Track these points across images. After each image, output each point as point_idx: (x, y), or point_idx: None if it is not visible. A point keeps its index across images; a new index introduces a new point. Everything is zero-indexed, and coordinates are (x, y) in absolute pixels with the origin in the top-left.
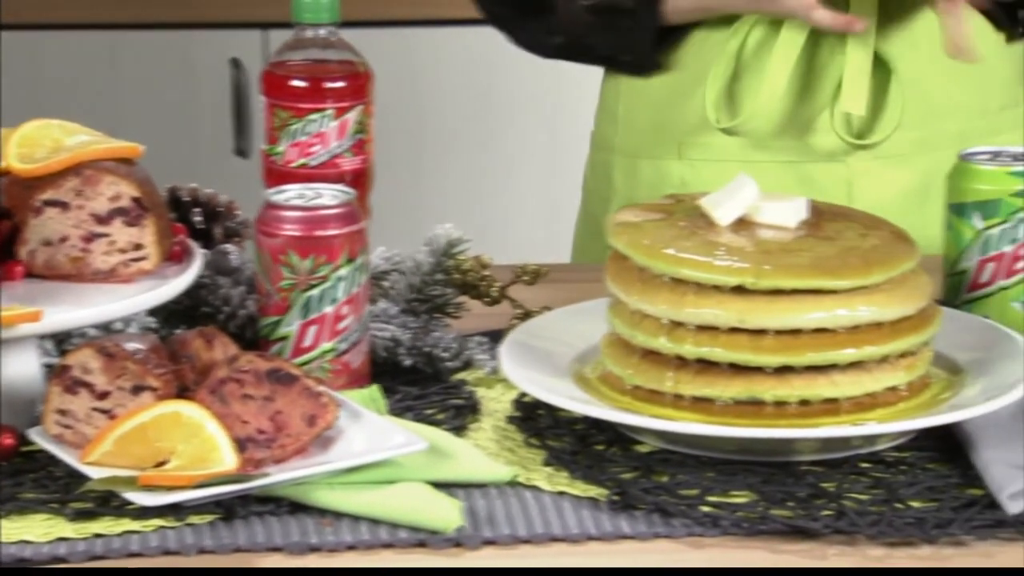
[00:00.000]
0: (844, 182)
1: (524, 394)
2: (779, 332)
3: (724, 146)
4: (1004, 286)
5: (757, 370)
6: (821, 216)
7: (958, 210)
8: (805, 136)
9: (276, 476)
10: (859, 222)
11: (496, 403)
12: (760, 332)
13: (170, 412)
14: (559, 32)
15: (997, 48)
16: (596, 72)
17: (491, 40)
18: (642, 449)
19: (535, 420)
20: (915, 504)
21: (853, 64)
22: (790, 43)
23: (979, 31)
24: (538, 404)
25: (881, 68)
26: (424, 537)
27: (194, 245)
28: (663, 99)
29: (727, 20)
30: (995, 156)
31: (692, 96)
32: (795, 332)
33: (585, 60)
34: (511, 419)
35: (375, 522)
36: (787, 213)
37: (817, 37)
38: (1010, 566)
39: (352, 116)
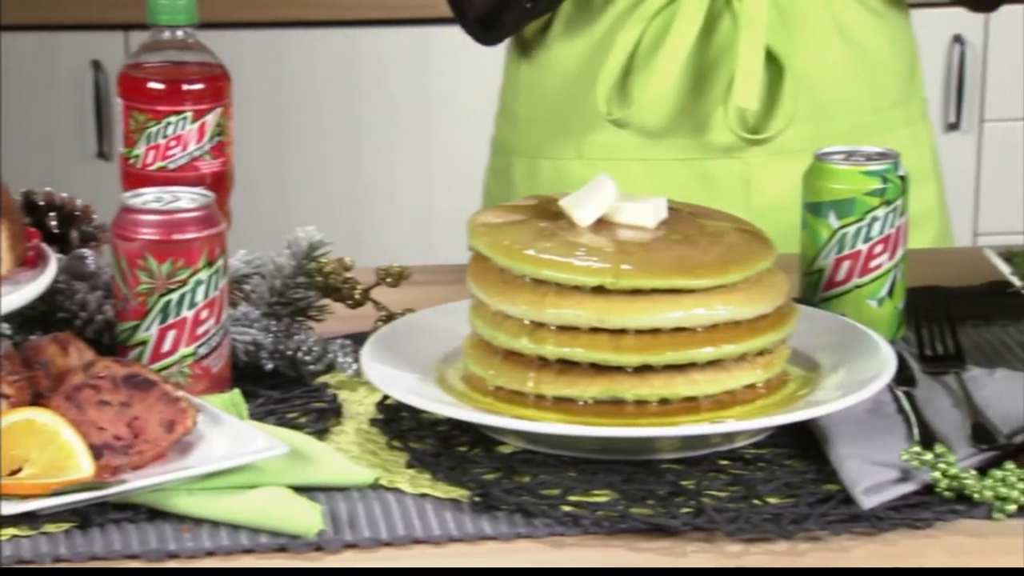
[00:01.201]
0: (742, 178)
1: (387, 396)
2: (639, 332)
3: (623, 145)
4: (859, 284)
5: (617, 370)
6: (680, 216)
7: (814, 209)
8: (701, 132)
9: (134, 483)
10: (717, 221)
11: (359, 406)
12: (620, 332)
13: (23, 419)
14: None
15: (889, 45)
16: (462, 68)
17: (354, 41)
18: (505, 450)
19: (398, 422)
20: (772, 500)
21: (745, 59)
22: (682, 38)
23: (871, 28)
24: (401, 406)
25: (774, 64)
26: (285, 542)
27: (49, 250)
28: (561, 98)
29: (620, 18)
30: (849, 156)
31: (590, 95)
32: (655, 331)
33: (507, 26)
34: (374, 422)
35: (235, 527)
36: (646, 213)
37: (710, 33)
38: (865, 564)
39: (211, 119)
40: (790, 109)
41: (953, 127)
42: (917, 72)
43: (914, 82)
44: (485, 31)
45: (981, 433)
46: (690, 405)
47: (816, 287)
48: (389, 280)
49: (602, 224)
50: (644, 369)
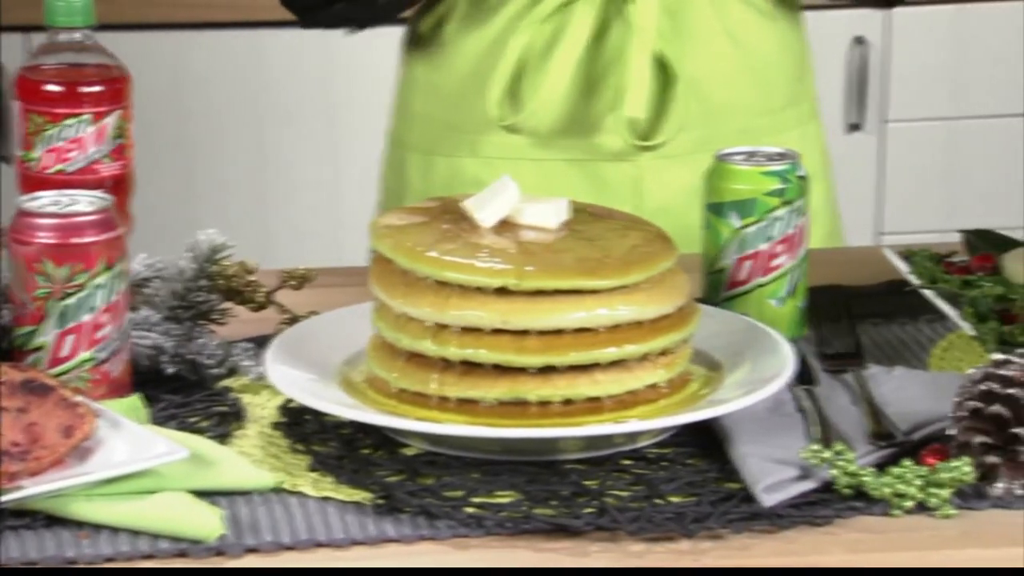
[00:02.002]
0: (632, 180)
1: (290, 400)
2: (542, 332)
3: (515, 145)
4: (761, 283)
5: (521, 371)
6: (582, 217)
7: (716, 209)
8: (592, 136)
9: (31, 489)
10: (619, 222)
11: (262, 409)
12: (523, 333)
13: None
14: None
15: (780, 47)
16: (367, 69)
17: (258, 42)
18: (408, 452)
19: (301, 425)
20: (675, 499)
21: (634, 68)
22: (573, 43)
23: (761, 31)
24: (304, 409)
25: (664, 70)
26: (185, 547)
27: None
28: (456, 97)
29: (514, 20)
30: (750, 156)
31: (483, 95)
32: (558, 332)
33: (332, 20)
34: (277, 425)
35: (135, 533)
36: (548, 214)
37: (602, 38)
38: (765, 562)
39: (110, 121)
40: (680, 115)
41: (855, 128)
42: (808, 73)
43: (804, 83)
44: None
45: (879, 431)
46: (593, 405)
47: (718, 287)
48: (293, 283)
49: (505, 225)
50: (547, 370)
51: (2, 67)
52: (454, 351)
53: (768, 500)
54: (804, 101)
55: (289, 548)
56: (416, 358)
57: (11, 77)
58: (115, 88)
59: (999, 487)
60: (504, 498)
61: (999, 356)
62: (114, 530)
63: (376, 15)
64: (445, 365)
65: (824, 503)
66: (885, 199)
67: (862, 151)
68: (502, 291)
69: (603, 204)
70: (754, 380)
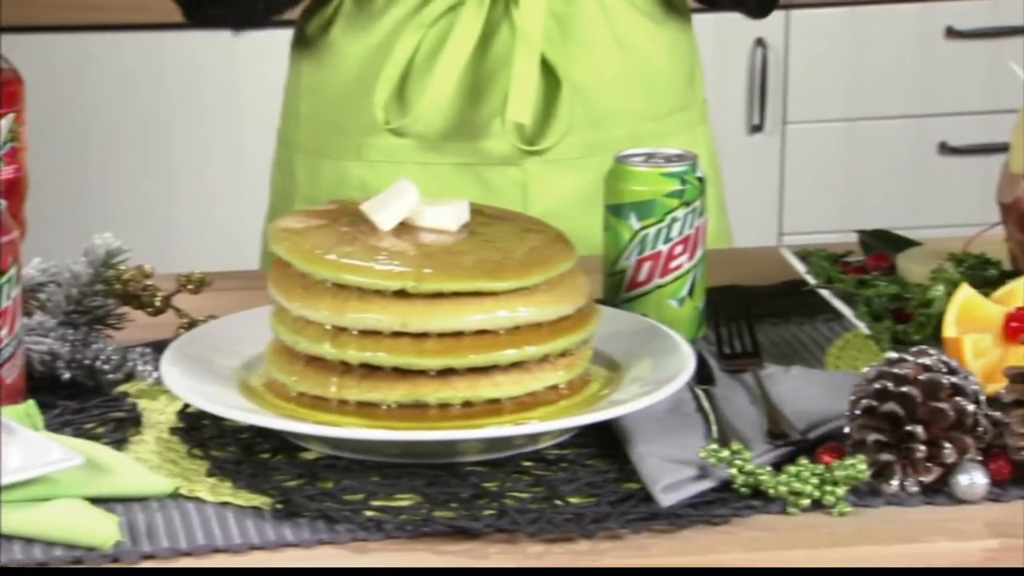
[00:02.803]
0: (519, 185)
1: (188, 405)
2: (441, 335)
3: (402, 149)
4: (661, 284)
5: (420, 373)
6: (481, 219)
7: (615, 211)
8: (478, 140)
9: None
10: (518, 224)
11: (160, 415)
12: (423, 335)
13: None
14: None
15: (666, 53)
16: (266, 70)
17: (158, 44)
18: (308, 456)
19: (199, 431)
20: (574, 500)
21: (519, 73)
22: (459, 47)
23: (650, 37)
24: (202, 414)
25: (550, 75)
26: (80, 554)
27: None
28: (342, 99)
29: (400, 24)
30: (649, 158)
31: (370, 98)
32: (457, 334)
33: (219, 20)
34: (174, 430)
35: (29, 541)
36: (448, 216)
37: (488, 42)
38: (663, 562)
39: (3, 124)
40: (566, 120)
41: (757, 129)
42: (697, 77)
43: (694, 88)
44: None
45: (777, 430)
46: (493, 407)
47: (618, 288)
48: (190, 287)
49: (404, 228)
50: (447, 372)
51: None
52: (353, 354)
53: (666, 500)
54: (693, 106)
55: (186, 554)
56: (315, 362)
57: None
58: (7, 91)
59: (893, 484)
60: (404, 501)
61: (893, 355)
62: (7, 538)
63: (254, 16)
64: (344, 368)
65: (722, 502)
66: (786, 200)
67: (764, 152)
68: (401, 294)
69: None
70: (653, 380)
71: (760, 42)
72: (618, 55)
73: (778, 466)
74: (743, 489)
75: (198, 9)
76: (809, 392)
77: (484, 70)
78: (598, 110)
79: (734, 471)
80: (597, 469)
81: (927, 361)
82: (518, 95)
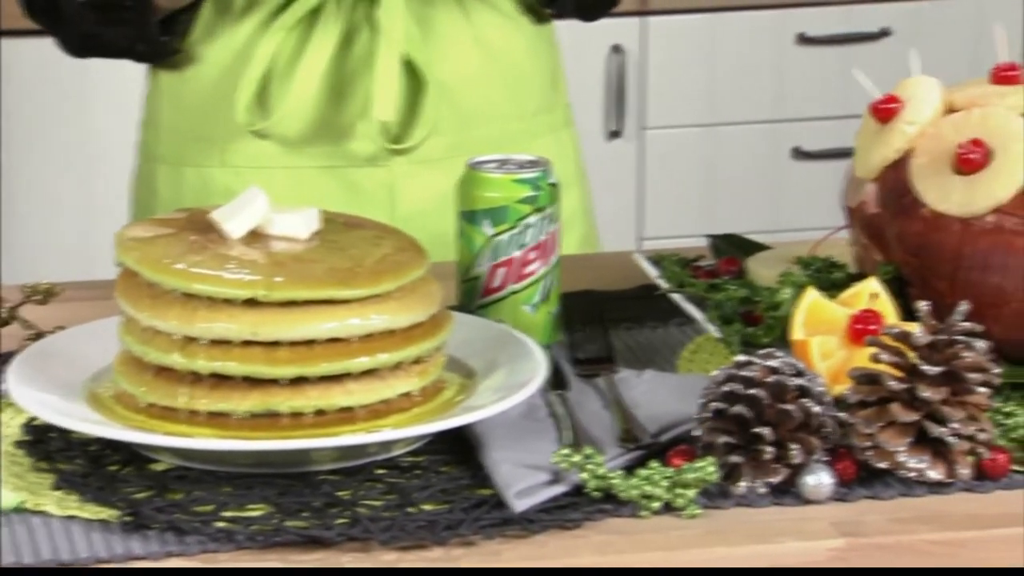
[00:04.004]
0: (386, 186)
1: (34, 417)
2: (293, 343)
3: (266, 153)
4: (515, 290)
5: (272, 382)
6: (333, 226)
7: (469, 217)
8: (343, 141)
9: None
10: (371, 231)
11: (6, 428)
12: (274, 344)
13: None
14: (73, 31)
15: (530, 53)
16: (119, 79)
17: (4, 51)
18: (158, 467)
19: (46, 443)
20: (427, 507)
21: (383, 72)
22: (321, 48)
23: (510, 38)
24: (49, 427)
25: (414, 75)
26: None
27: None
28: (204, 106)
29: (260, 28)
30: (502, 164)
31: (232, 103)
32: (309, 343)
33: (108, 55)
34: (20, 443)
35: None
36: (298, 224)
37: (350, 43)
38: (516, 566)
39: None
40: (431, 119)
41: (616, 135)
42: (560, 80)
43: (557, 89)
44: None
45: (629, 433)
46: (346, 415)
47: (473, 294)
48: (37, 297)
49: (254, 236)
50: (299, 381)
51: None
52: (203, 364)
53: (519, 505)
54: (557, 108)
55: (31, 569)
56: (164, 372)
57: None
58: None
59: (742, 486)
60: (255, 511)
61: (741, 358)
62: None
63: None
64: (194, 378)
65: (574, 506)
66: (645, 205)
67: (622, 158)
68: (251, 302)
69: (357, 210)
70: (507, 386)
71: (617, 48)
72: (480, 55)
73: (630, 469)
74: (595, 493)
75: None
76: (661, 395)
77: (347, 71)
78: (463, 109)
79: (586, 475)
80: (451, 476)
81: (774, 363)
82: (382, 93)
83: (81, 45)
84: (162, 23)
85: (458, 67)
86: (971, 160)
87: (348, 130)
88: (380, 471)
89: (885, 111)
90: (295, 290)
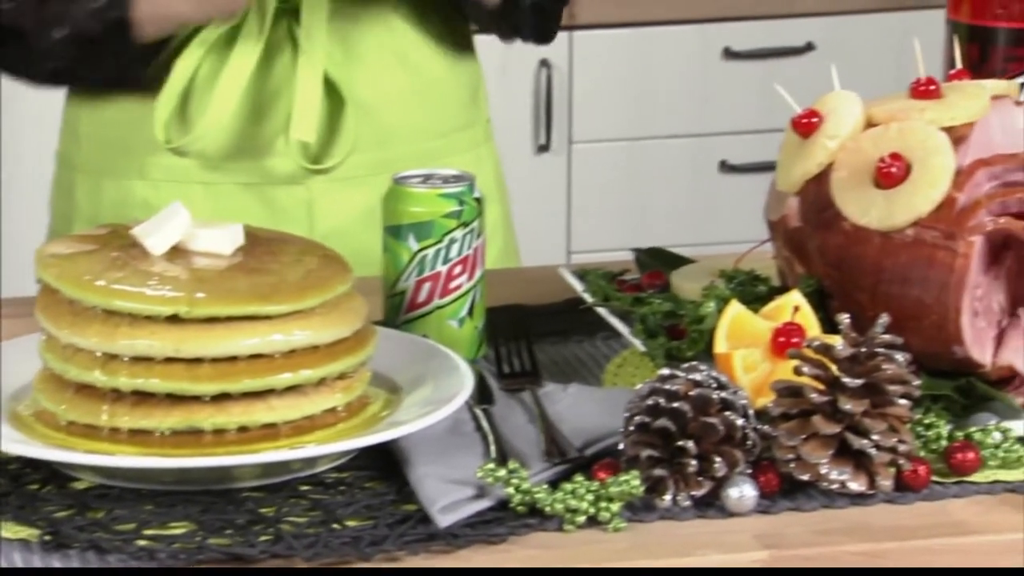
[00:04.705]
0: (305, 204)
1: None
2: (215, 360)
3: (185, 168)
4: (440, 305)
5: (195, 399)
6: (256, 242)
7: (394, 232)
8: (262, 159)
9: None
10: (294, 247)
11: None
12: (196, 361)
13: None
14: (47, 61)
15: (452, 71)
16: (40, 98)
17: None
18: (79, 486)
19: None
20: (352, 523)
21: (303, 91)
22: (241, 65)
23: (431, 56)
24: None
25: (334, 93)
26: None
27: None
28: (123, 118)
29: (180, 43)
30: (427, 179)
31: (151, 116)
32: (232, 359)
33: (85, 84)
34: None
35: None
36: (222, 240)
37: (271, 61)
38: None
39: None
40: (351, 138)
41: (544, 149)
42: (481, 96)
43: (478, 106)
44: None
45: (554, 447)
46: (269, 432)
47: (398, 309)
48: None
49: (177, 252)
50: (222, 397)
51: None
52: (124, 381)
53: (444, 520)
54: (478, 123)
55: None
56: (85, 389)
57: None
58: None
59: (666, 499)
60: (178, 529)
61: (665, 371)
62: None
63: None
64: (116, 396)
65: (499, 521)
66: (573, 218)
67: (550, 172)
68: (174, 319)
69: (276, 228)
70: (432, 401)
71: (545, 63)
72: (401, 73)
73: (555, 484)
74: (520, 508)
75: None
76: (586, 409)
77: (267, 89)
78: (383, 128)
79: (511, 490)
80: (375, 492)
81: (698, 377)
82: (302, 113)
83: (51, 78)
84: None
85: (379, 86)
86: (891, 174)
87: (268, 148)
88: (304, 487)
89: (806, 125)
90: (218, 306)
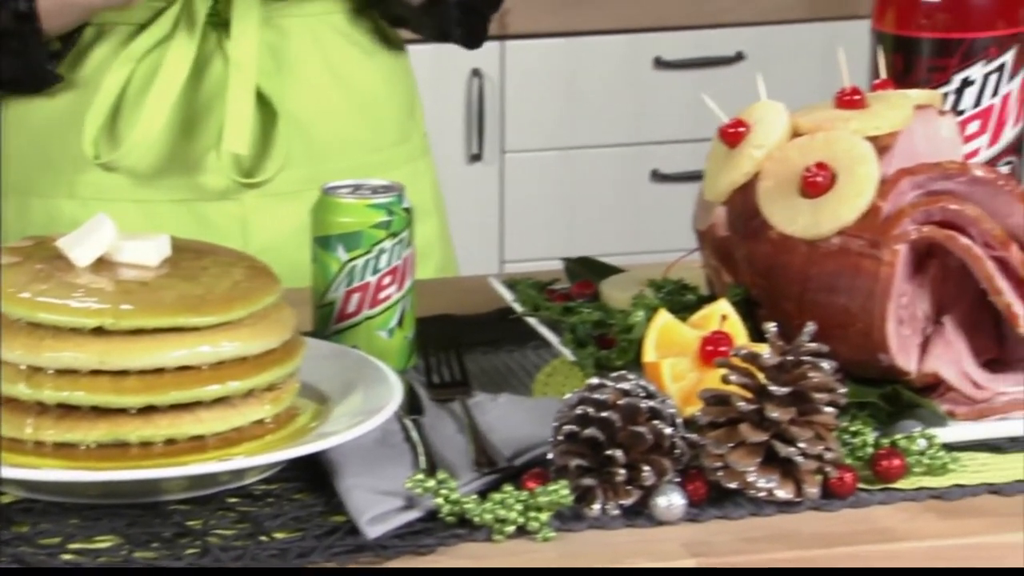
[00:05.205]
0: (238, 220)
1: None
2: (142, 372)
3: (115, 186)
4: (370, 315)
5: (121, 411)
6: (183, 253)
7: (323, 243)
8: (194, 174)
9: None
10: (222, 258)
11: None
12: (122, 373)
13: None
14: None
15: (387, 85)
16: None
17: None
18: (3, 500)
19: None
20: (279, 535)
21: (235, 103)
22: (171, 80)
23: (365, 69)
24: None
25: (266, 107)
26: None
27: None
28: (51, 136)
29: (108, 58)
30: (356, 189)
31: (79, 133)
32: (158, 371)
33: None
34: None
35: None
36: (148, 251)
37: (201, 75)
38: None
39: None
40: (283, 152)
41: (476, 158)
42: (416, 109)
43: (414, 119)
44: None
45: (483, 457)
46: (197, 444)
47: (328, 320)
48: None
49: (103, 264)
50: (148, 410)
51: None
52: (50, 394)
53: (372, 532)
54: (414, 137)
55: None
56: (10, 403)
57: None
58: None
59: (595, 508)
60: (104, 543)
61: (594, 380)
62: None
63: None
64: (41, 409)
65: (428, 532)
66: (506, 228)
67: (483, 181)
68: (99, 331)
69: None
70: (362, 412)
71: (477, 72)
72: (334, 87)
73: (484, 494)
74: (449, 518)
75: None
76: (516, 419)
77: (198, 103)
78: (317, 143)
79: (440, 500)
80: (304, 503)
81: (626, 386)
82: (234, 125)
83: None
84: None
85: (312, 100)
86: (816, 183)
87: (199, 163)
88: (232, 500)
89: (733, 135)
90: (144, 318)
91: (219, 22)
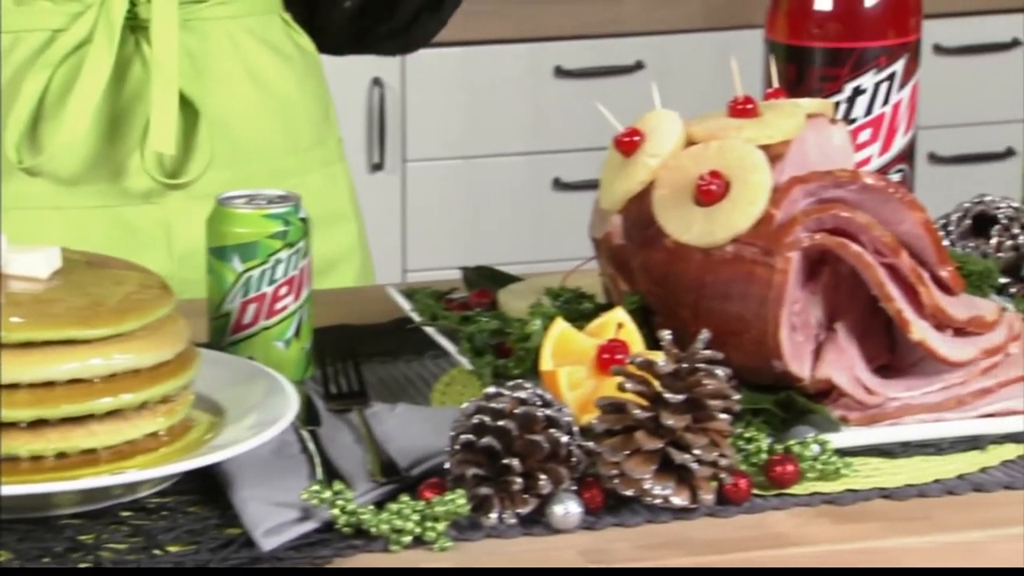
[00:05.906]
0: (162, 224)
1: None
2: (32, 385)
3: (37, 194)
4: (266, 326)
5: (10, 425)
6: (74, 265)
7: (218, 253)
8: (117, 178)
9: None
10: (114, 270)
11: None
12: (12, 387)
13: None
14: None
15: (301, 88)
16: None
17: None
18: None
19: None
20: (173, 549)
21: (159, 104)
22: (91, 83)
23: (281, 73)
24: None
25: (189, 108)
26: None
27: None
28: None
29: (26, 64)
30: (251, 199)
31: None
32: (49, 384)
33: None
34: None
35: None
36: (38, 264)
37: (122, 78)
38: None
39: None
40: (207, 153)
41: (378, 167)
42: (331, 114)
43: (329, 124)
44: None
45: (380, 468)
46: (89, 457)
47: (224, 331)
48: None
49: None
50: (39, 423)
51: None
52: None
53: (267, 544)
54: (329, 141)
55: None
56: None
57: None
58: None
59: (492, 517)
60: None
61: (491, 390)
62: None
63: None
64: None
65: (324, 543)
66: (408, 237)
67: (385, 191)
68: None
69: (133, 250)
70: (258, 423)
71: (377, 81)
72: (252, 90)
73: (381, 504)
74: (345, 529)
75: None
76: (413, 429)
77: (120, 106)
78: (239, 144)
79: (336, 511)
80: (198, 516)
81: (523, 395)
82: (159, 125)
83: None
84: None
85: (232, 101)
86: (710, 191)
87: (123, 166)
88: (125, 513)
89: (628, 144)
90: (33, 331)
91: (137, 25)
